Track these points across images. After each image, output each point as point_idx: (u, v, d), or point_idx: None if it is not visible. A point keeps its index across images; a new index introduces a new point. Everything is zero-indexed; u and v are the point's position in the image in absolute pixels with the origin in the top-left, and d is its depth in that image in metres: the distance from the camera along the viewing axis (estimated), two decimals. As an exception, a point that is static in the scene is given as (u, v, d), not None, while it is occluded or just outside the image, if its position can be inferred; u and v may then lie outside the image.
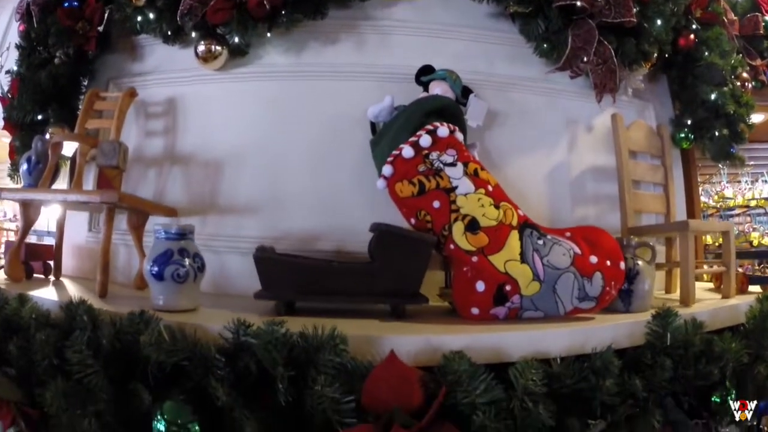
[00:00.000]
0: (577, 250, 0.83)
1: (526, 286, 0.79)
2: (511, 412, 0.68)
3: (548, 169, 1.23)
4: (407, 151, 0.89)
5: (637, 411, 0.75)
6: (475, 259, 0.82)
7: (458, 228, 0.82)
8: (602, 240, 0.85)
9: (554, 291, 0.79)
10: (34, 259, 1.14)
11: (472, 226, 0.82)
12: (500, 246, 0.81)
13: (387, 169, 0.90)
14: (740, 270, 1.41)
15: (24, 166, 1.05)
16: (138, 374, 0.68)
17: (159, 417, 0.62)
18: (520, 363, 0.69)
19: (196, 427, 0.63)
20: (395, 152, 0.90)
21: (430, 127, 0.91)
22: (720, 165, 1.29)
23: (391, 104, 0.98)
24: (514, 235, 0.82)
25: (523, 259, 0.80)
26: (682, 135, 1.27)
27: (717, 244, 1.92)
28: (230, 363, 0.66)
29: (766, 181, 2.25)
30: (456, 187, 0.85)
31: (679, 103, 1.31)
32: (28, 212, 1.00)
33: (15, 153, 1.18)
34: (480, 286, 0.80)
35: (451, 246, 0.83)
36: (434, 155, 0.88)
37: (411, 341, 0.71)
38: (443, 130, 0.90)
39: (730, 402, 0.81)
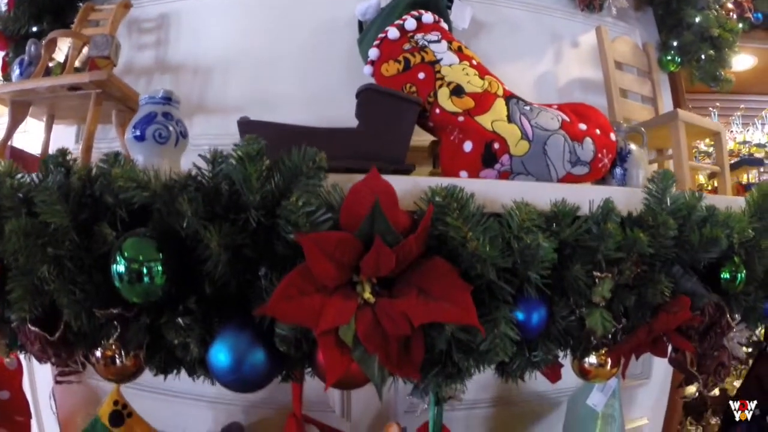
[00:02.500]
0: (566, 118, 0.76)
1: (515, 145, 0.73)
2: (507, 245, 0.61)
3: (535, 78, 1.19)
4: (392, 33, 0.84)
5: (644, 270, 0.68)
6: (461, 119, 0.76)
7: (443, 93, 0.77)
8: (591, 112, 0.78)
9: (545, 153, 0.72)
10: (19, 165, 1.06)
11: (457, 91, 0.77)
12: (486, 109, 0.75)
13: (373, 52, 0.85)
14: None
15: (16, 71, 1.01)
16: (106, 219, 0.61)
17: (118, 257, 0.53)
18: (515, 204, 0.63)
19: (159, 267, 0.54)
20: (381, 35, 0.85)
21: (415, 13, 0.86)
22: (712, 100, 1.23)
23: (378, 2, 0.94)
24: (500, 102, 0.76)
25: (511, 119, 0.74)
26: (669, 57, 1.23)
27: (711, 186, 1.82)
28: (201, 188, 0.59)
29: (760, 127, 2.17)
30: (440, 60, 0.80)
31: (665, 29, 1.26)
32: (16, 111, 0.95)
33: (8, 66, 1.14)
34: (467, 146, 0.74)
35: (437, 110, 0.78)
36: (419, 36, 0.83)
37: (396, 181, 0.60)
38: (428, 17, 0.86)
39: (740, 277, 0.74)
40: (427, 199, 0.56)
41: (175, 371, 0.63)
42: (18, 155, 1.08)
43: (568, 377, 0.89)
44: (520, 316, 0.59)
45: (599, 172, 0.75)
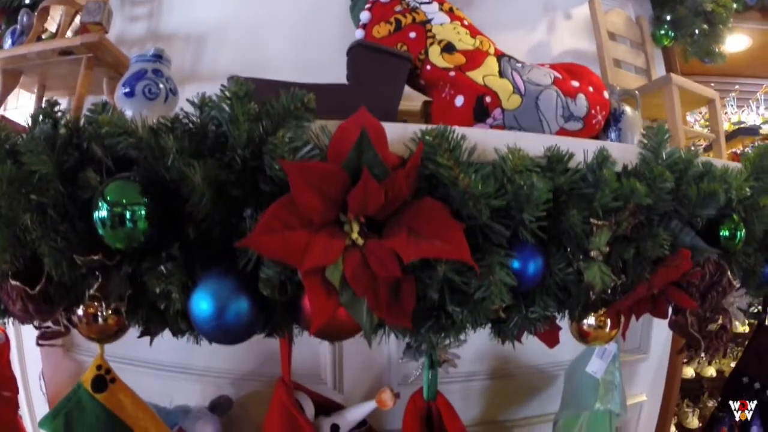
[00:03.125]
0: (558, 75, 0.75)
1: (507, 99, 0.71)
2: (501, 187, 0.58)
3: (527, 48, 1.18)
4: (384, -5, 0.83)
5: (642, 222, 0.65)
6: (452, 74, 0.74)
7: (434, 50, 0.75)
8: (583, 71, 0.77)
9: (537, 107, 0.70)
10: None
11: (449, 48, 0.76)
12: (477, 65, 0.73)
13: (364, 15, 0.83)
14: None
15: (8, 42, 0.99)
16: (92, 168, 0.59)
17: (101, 202, 0.50)
18: (507, 150, 0.61)
19: (142, 212, 0.51)
20: (372, -1, 0.84)
21: (407, -23, 0.87)
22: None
23: (370, -31, 0.95)
24: (492, 59, 0.75)
25: (502, 75, 0.72)
26: (662, 32, 1.21)
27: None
28: (187, 130, 0.57)
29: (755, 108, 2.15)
30: (431, 19, 0.78)
31: (659, 3, 1.24)
32: (7, 80, 0.92)
33: (1, 37, 1.12)
34: (459, 100, 0.72)
35: (428, 67, 0.76)
36: (410, -2, 0.82)
37: (386, 127, 0.56)
38: (420, -20, 0.85)
39: (739, 235, 0.71)
40: (417, 140, 0.54)
41: (158, 328, 0.61)
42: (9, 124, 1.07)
43: (566, 350, 0.86)
44: (516, 264, 0.57)
45: (593, 129, 0.73)
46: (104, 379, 0.69)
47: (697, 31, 1.18)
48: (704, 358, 0.73)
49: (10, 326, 0.94)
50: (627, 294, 0.66)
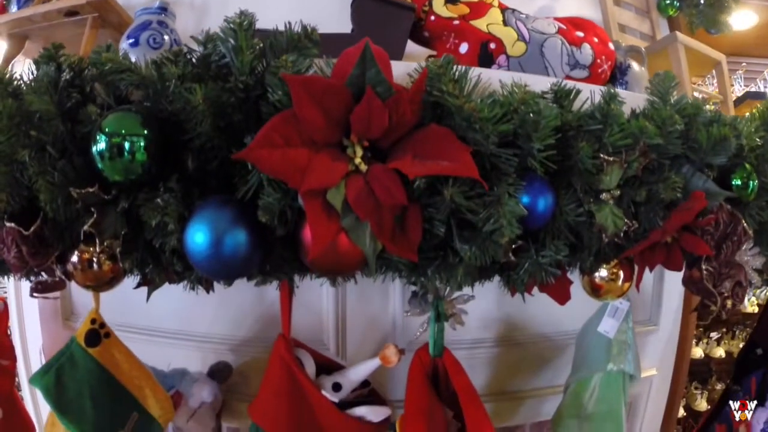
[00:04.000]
0: (562, 26, 0.73)
1: (512, 46, 0.69)
2: (507, 112, 0.55)
3: (532, 11, 1.08)
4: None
5: (652, 162, 0.62)
6: (456, 23, 0.72)
7: (439, 1, 0.73)
8: (588, 24, 0.75)
9: (542, 54, 0.69)
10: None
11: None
12: (482, 14, 0.72)
13: (369, -23, 0.84)
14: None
15: (14, 8, 0.98)
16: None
17: (99, 135, 0.48)
18: (513, 85, 0.58)
19: (141, 143, 0.49)
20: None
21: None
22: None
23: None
24: (495, 9, 0.73)
25: (506, 23, 0.71)
26: (668, 1, 1.16)
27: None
28: (190, 62, 0.54)
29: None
30: (434, -26, 0.77)
31: None
32: (12, 45, 0.90)
33: (5, 8, 1.11)
34: (463, 48, 0.70)
35: (432, 18, 0.74)
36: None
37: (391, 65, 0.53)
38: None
39: (752, 184, 0.68)
40: (421, 69, 0.52)
41: (153, 273, 0.57)
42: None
43: (576, 319, 0.82)
44: (525, 199, 0.54)
45: (599, 78, 0.71)
46: (98, 333, 0.65)
47: (702, 1, 1.14)
48: (722, 313, 0.69)
49: (12, 296, 0.91)
50: (640, 241, 0.63)
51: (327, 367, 0.70)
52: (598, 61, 0.71)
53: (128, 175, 0.50)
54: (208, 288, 0.65)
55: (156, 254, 0.57)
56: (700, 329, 1.83)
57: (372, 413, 0.65)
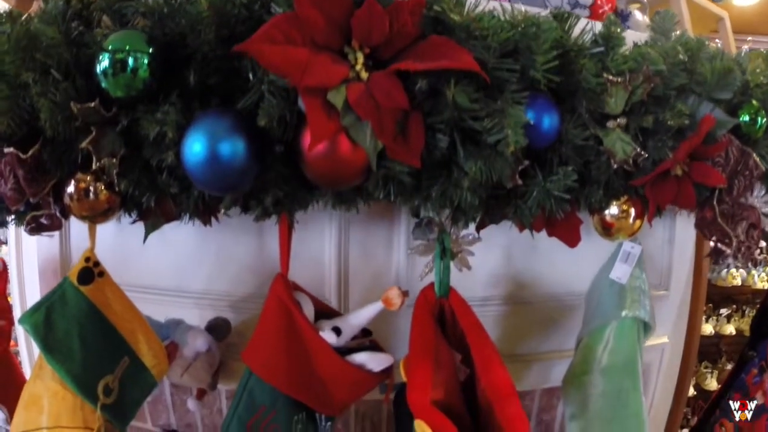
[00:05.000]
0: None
1: None
2: (508, 25, 0.54)
3: None
4: None
5: (658, 95, 0.60)
6: None
7: None
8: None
9: (543, -7, 0.69)
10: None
11: None
12: None
13: None
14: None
15: None
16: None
17: (102, 54, 0.48)
18: (513, 10, 0.57)
19: (145, 60, 0.48)
20: None
21: None
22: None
23: None
24: None
25: None
26: None
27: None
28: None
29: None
30: None
31: None
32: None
33: None
34: None
35: None
36: None
37: None
38: None
39: (760, 121, 0.66)
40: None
41: (149, 197, 0.55)
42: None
43: (585, 280, 0.78)
44: (530, 115, 0.52)
45: (599, 19, 0.70)
46: (91, 271, 0.62)
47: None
48: (738, 259, 0.65)
49: (12, 257, 0.89)
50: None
51: (327, 315, 0.66)
52: (599, 2, 0.70)
53: (130, 91, 0.49)
54: (206, 220, 0.62)
55: (152, 176, 0.55)
56: (710, 305, 1.77)
57: (373, 360, 0.61)
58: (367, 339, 0.66)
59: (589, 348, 0.70)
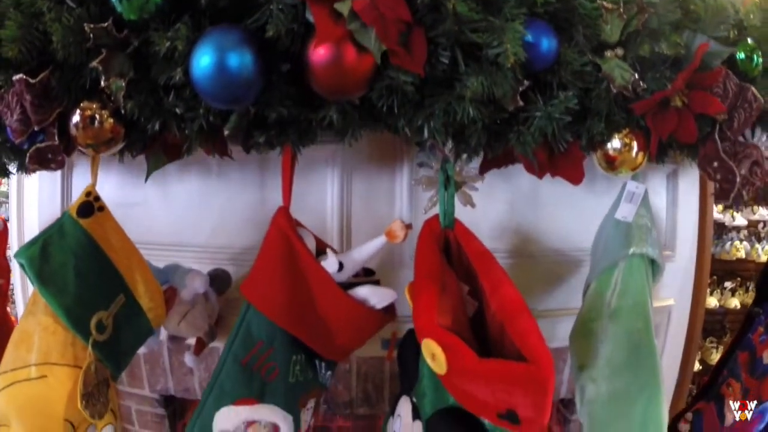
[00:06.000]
0: None
1: None
2: None
3: None
4: None
5: (654, 28, 0.61)
6: None
7: None
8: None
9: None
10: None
11: None
12: None
13: None
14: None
15: None
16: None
17: None
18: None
19: None
20: None
21: None
22: None
23: None
24: None
25: None
26: None
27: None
28: None
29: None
30: None
31: None
32: None
33: None
34: None
35: None
36: None
37: None
38: None
39: (756, 59, 0.66)
40: None
41: (153, 121, 0.55)
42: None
43: (590, 235, 0.77)
44: (529, 38, 0.53)
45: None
46: (92, 205, 0.61)
47: None
48: (744, 196, 0.63)
49: (13, 216, 0.87)
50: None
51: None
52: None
53: (142, 14, 0.50)
54: (210, 151, 0.62)
55: (159, 98, 0.55)
56: (714, 278, 1.75)
57: (376, 295, 0.59)
58: (371, 278, 0.65)
59: (598, 293, 0.68)
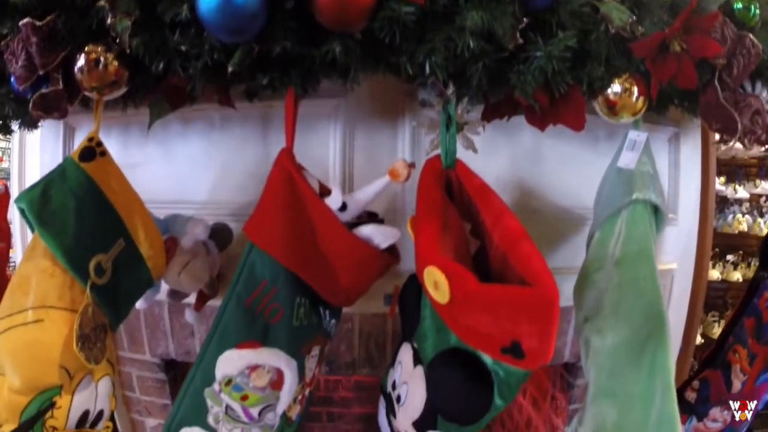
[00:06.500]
0: None
1: None
2: None
3: None
4: None
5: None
6: None
7: None
8: None
9: None
10: None
11: None
12: None
13: None
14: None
15: None
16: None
17: None
18: None
19: None
20: None
21: None
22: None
23: None
24: None
25: None
26: None
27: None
28: None
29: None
30: None
31: None
32: None
33: None
34: None
35: None
36: None
37: None
38: None
39: (754, 9, 0.67)
40: None
41: (157, 60, 0.55)
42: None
43: (593, 193, 0.77)
44: (528, -27, 0.53)
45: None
46: (94, 150, 0.61)
47: None
48: (746, 145, 0.63)
49: (15, 180, 0.87)
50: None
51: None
52: None
53: None
54: (212, 92, 0.62)
55: (164, 37, 0.55)
56: (717, 249, 1.74)
57: (379, 234, 0.59)
58: (376, 220, 0.64)
59: (601, 243, 0.68)
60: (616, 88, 0.64)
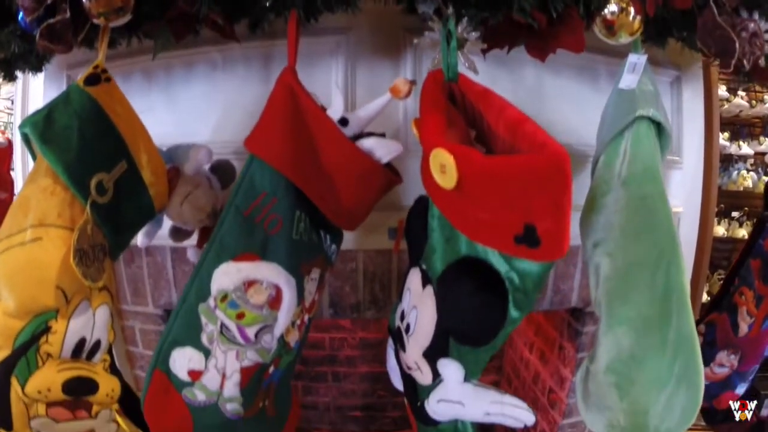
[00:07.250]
0: None
1: None
2: None
3: None
4: None
5: None
6: None
7: None
8: None
9: None
10: None
11: None
12: None
13: None
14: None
15: None
16: None
17: None
18: None
19: None
20: None
21: None
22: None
23: None
24: None
25: None
26: None
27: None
28: None
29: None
30: None
31: None
32: None
33: None
34: None
35: None
36: None
37: None
38: None
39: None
40: None
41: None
42: None
43: (595, 130, 0.77)
44: None
45: None
46: (99, 76, 0.62)
47: None
48: (744, 64, 0.62)
49: (18, 146, 0.88)
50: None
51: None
52: None
53: None
54: (217, 23, 0.63)
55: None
56: (722, 206, 1.72)
57: (382, 147, 0.58)
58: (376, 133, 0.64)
59: (607, 165, 0.67)
60: (612, 7, 0.65)
